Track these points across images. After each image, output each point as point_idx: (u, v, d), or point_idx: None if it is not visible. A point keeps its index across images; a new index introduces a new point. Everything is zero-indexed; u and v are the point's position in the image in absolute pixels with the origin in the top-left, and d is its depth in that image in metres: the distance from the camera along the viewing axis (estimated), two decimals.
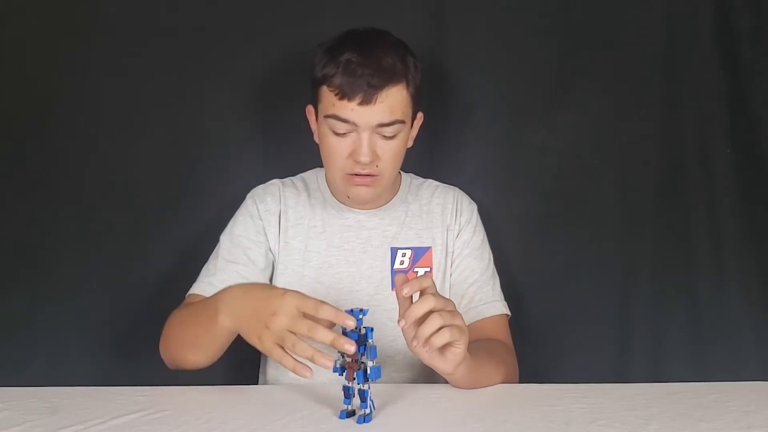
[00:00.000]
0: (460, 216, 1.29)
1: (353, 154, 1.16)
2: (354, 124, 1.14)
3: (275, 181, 1.31)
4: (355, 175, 1.18)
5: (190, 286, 1.24)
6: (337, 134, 1.16)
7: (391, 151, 1.17)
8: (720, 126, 1.43)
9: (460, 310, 1.23)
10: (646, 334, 1.43)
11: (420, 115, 1.24)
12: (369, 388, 0.92)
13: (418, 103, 1.20)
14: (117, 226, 1.42)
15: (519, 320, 1.28)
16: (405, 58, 1.17)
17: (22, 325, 1.39)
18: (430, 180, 1.35)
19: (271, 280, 1.26)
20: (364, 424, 0.91)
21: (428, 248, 1.26)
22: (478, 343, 1.12)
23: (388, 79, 1.13)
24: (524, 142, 1.46)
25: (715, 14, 1.42)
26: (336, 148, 1.17)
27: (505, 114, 1.46)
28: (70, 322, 1.40)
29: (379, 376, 0.92)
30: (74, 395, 1.02)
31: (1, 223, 1.40)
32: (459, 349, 0.96)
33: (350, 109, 1.13)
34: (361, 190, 1.20)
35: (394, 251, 1.25)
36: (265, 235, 1.25)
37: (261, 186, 1.30)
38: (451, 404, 1.00)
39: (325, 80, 1.15)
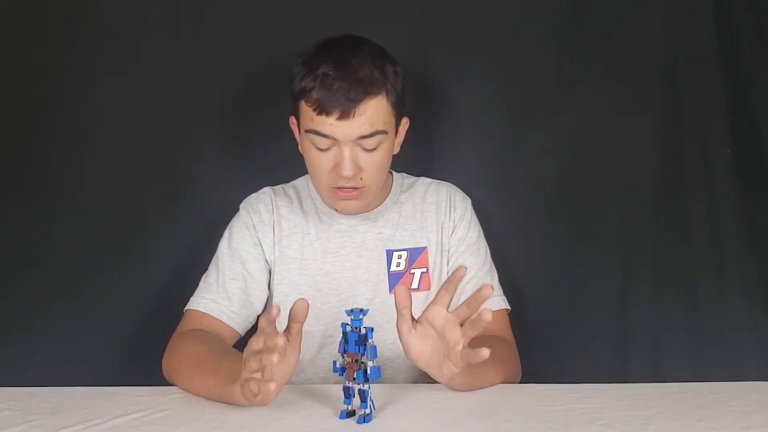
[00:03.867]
0: (454, 212, 1.28)
1: (336, 168, 1.14)
2: (334, 138, 1.12)
3: (267, 190, 1.30)
4: (340, 188, 1.16)
5: (189, 286, 1.24)
6: (319, 149, 1.14)
7: (374, 162, 1.15)
8: (720, 126, 1.43)
9: None
10: (646, 334, 1.43)
11: (405, 120, 1.22)
12: (369, 388, 0.92)
13: (401, 109, 1.18)
14: (116, 226, 1.42)
15: (519, 320, 1.28)
16: (383, 67, 1.13)
17: (22, 325, 1.39)
18: (423, 177, 1.34)
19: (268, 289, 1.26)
20: (364, 424, 0.91)
21: (424, 248, 1.26)
22: (474, 345, 1.12)
23: (365, 91, 1.10)
24: (524, 143, 1.46)
25: (715, 14, 1.42)
26: (319, 162, 1.15)
27: (505, 114, 1.45)
28: (70, 323, 1.40)
29: (379, 376, 0.92)
30: (74, 395, 1.03)
31: (1, 223, 1.40)
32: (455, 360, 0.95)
33: (329, 124, 1.11)
34: (348, 204, 1.19)
35: (389, 253, 1.26)
36: (261, 246, 1.25)
37: (253, 195, 1.29)
38: (451, 404, 1.00)
39: (303, 94, 1.13)
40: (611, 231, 1.45)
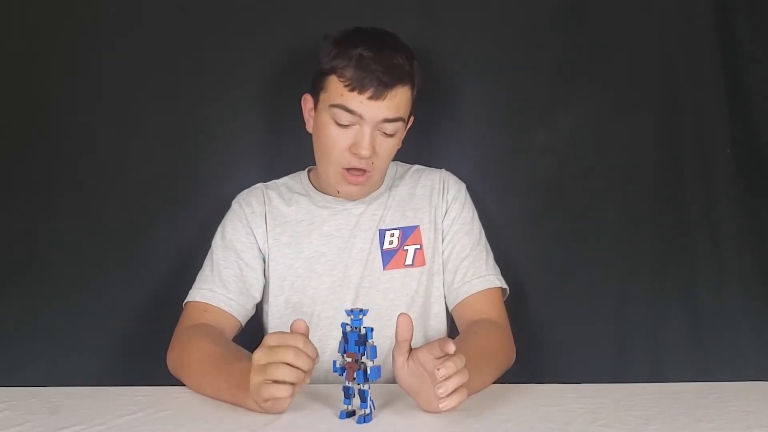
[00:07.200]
0: (447, 194, 1.31)
1: (353, 147, 1.17)
2: (360, 116, 1.15)
3: (258, 185, 1.33)
4: (349, 170, 1.19)
5: (190, 286, 1.24)
6: (340, 125, 1.17)
7: (388, 148, 1.20)
8: (720, 126, 1.42)
9: (454, 286, 1.25)
10: (646, 334, 1.43)
11: (411, 119, 1.26)
12: (369, 388, 0.92)
13: (413, 106, 1.23)
14: (116, 226, 1.42)
15: (519, 320, 1.28)
16: (412, 62, 1.20)
17: (22, 325, 1.39)
18: (417, 165, 1.37)
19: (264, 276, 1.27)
20: (364, 424, 0.91)
21: (416, 226, 1.27)
22: (468, 347, 1.09)
23: (398, 78, 1.16)
24: (524, 142, 1.46)
25: (715, 14, 1.42)
26: (336, 139, 1.18)
27: (504, 114, 1.45)
28: (70, 322, 1.39)
29: (379, 376, 0.92)
30: (74, 395, 1.03)
31: (1, 223, 1.40)
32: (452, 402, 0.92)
33: (359, 101, 1.15)
34: (353, 189, 1.22)
35: (381, 233, 1.27)
36: (254, 235, 1.26)
37: (245, 191, 1.33)
38: None
39: (334, 71, 1.16)
40: (611, 231, 1.45)
